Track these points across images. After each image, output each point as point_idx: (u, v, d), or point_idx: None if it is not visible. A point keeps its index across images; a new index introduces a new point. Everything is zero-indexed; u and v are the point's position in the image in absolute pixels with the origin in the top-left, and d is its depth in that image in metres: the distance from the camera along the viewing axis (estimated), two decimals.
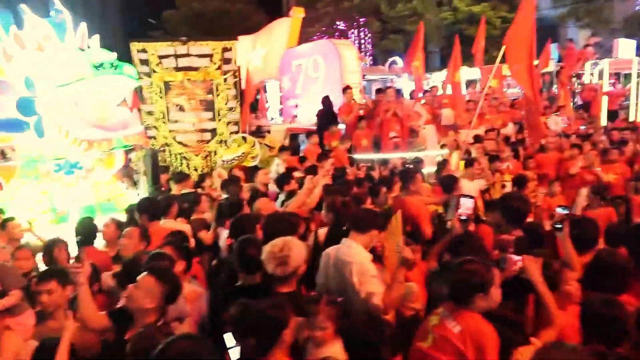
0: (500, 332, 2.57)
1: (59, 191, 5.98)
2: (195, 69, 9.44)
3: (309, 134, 10.46)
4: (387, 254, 3.97)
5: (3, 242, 5.12)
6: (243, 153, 8.79)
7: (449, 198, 5.16)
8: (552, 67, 16.24)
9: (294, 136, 12.00)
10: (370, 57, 28.62)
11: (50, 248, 4.54)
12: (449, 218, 3.98)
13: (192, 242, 4.82)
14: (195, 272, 4.35)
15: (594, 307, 2.68)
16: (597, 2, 22.54)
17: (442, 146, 10.02)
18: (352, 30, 30.16)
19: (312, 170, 7.21)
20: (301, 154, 9.70)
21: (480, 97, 10.14)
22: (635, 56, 16.05)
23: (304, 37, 17.12)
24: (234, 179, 6.91)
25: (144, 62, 9.20)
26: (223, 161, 8.85)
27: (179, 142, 9.50)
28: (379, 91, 11.72)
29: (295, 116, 13.93)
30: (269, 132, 11.67)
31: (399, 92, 11.07)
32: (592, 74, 15.90)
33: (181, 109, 9.48)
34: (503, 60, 8.62)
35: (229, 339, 2.53)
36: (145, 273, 2.87)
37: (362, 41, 30.24)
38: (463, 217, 3.75)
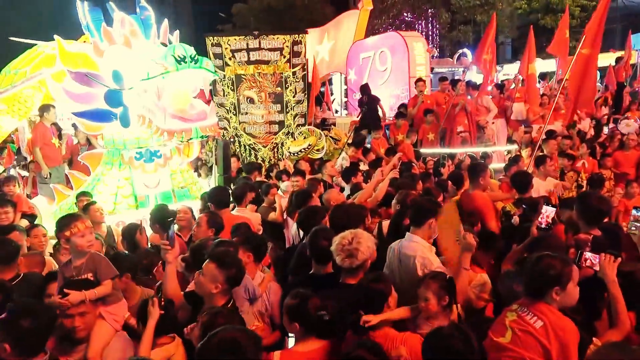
0: None
1: (140, 178, 6.39)
2: (266, 62, 9.70)
3: (374, 127, 10.47)
4: (445, 245, 3.99)
5: None
6: (309, 145, 8.96)
7: (522, 196, 5.04)
8: (634, 58, 15.20)
9: (358, 129, 12.04)
10: (437, 49, 27.98)
11: (132, 232, 4.85)
12: (530, 224, 3.91)
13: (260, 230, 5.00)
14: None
15: None
16: None
17: (512, 142, 9.71)
18: (420, 21, 29.55)
19: (377, 164, 7.26)
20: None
21: (555, 91, 9.70)
22: None
23: (371, 28, 17.04)
24: (299, 171, 7.07)
25: (218, 55, 9.56)
26: (290, 153, 9.07)
27: (249, 134, 9.82)
28: (442, 79, 11.52)
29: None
30: (334, 124, 11.79)
31: (470, 85, 10.75)
32: None
33: (251, 101, 9.79)
34: None
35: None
36: (207, 260, 3.03)
37: (430, 33, 29.58)
38: (543, 226, 3.69)
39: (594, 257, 2.94)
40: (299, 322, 2.69)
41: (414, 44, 12.88)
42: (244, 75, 9.71)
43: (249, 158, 9.67)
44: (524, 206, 4.56)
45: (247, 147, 9.83)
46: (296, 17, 27.37)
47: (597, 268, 2.92)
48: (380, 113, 11.19)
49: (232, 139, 9.66)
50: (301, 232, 4.37)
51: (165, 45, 6.19)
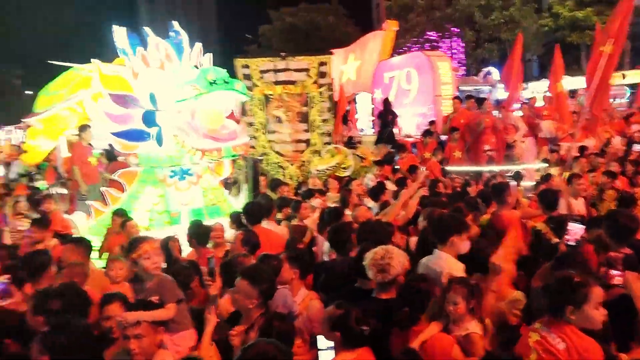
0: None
1: (173, 195, 6.58)
2: (293, 82, 9.93)
3: (400, 145, 10.54)
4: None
5: (123, 240, 5.72)
6: (337, 163, 9.07)
7: (550, 214, 5.02)
8: None
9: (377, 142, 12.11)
10: (463, 68, 27.98)
11: (166, 243, 4.95)
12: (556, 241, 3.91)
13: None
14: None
15: None
16: None
17: (543, 160, 9.63)
18: (444, 39, 29.68)
19: (403, 182, 7.31)
20: (395, 165, 9.80)
21: (585, 108, 9.59)
22: None
23: (395, 47, 17.22)
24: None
25: (247, 76, 9.83)
26: (317, 170, 9.19)
27: (276, 152, 10.00)
28: (468, 98, 11.54)
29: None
30: (360, 142, 11.90)
31: (497, 103, 10.76)
32: None
33: (279, 120, 9.99)
34: None
35: (321, 341, 2.78)
36: (239, 278, 3.11)
37: (454, 51, 29.65)
38: (571, 243, 3.68)
39: (620, 274, 2.94)
40: (341, 332, 2.76)
41: (440, 63, 12.98)
42: (271, 95, 9.94)
43: (276, 176, 9.83)
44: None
45: (274, 165, 10.02)
46: (320, 37, 27.83)
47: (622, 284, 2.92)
48: (396, 130, 11.30)
49: (260, 157, 9.85)
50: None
51: (197, 68, 6.43)
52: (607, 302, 2.71)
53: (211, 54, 6.60)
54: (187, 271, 4.08)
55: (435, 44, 28.54)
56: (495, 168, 9.16)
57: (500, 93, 16.98)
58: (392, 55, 15.05)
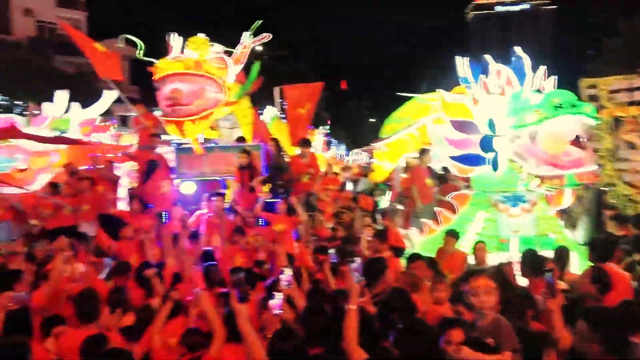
0: None
1: (504, 221, 6.48)
2: None
3: None
4: None
5: (455, 260, 5.92)
6: None
7: None
8: None
9: None
10: None
11: (499, 269, 4.94)
12: None
13: None
14: None
15: None
16: None
17: None
18: None
19: None
20: None
21: None
22: None
23: None
24: None
25: (593, 97, 8.88)
26: None
27: (626, 183, 8.66)
28: None
29: None
30: None
31: None
32: None
33: (632, 146, 8.64)
34: None
35: None
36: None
37: None
38: None
39: None
40: None
41: None
42: (623, 117, 8.67)
43: (626, 210, 8.49)
44: None
45: (623, 197, 8.67)
46: None
47: None
48: None
49: (605, 188, 8.70)
50: None
51: (540, 92, 6.18)
52: None
53: (555, 76, 6.25)
54: (523, 299, 3.94)
55: None
56: None
57: None
58: None
